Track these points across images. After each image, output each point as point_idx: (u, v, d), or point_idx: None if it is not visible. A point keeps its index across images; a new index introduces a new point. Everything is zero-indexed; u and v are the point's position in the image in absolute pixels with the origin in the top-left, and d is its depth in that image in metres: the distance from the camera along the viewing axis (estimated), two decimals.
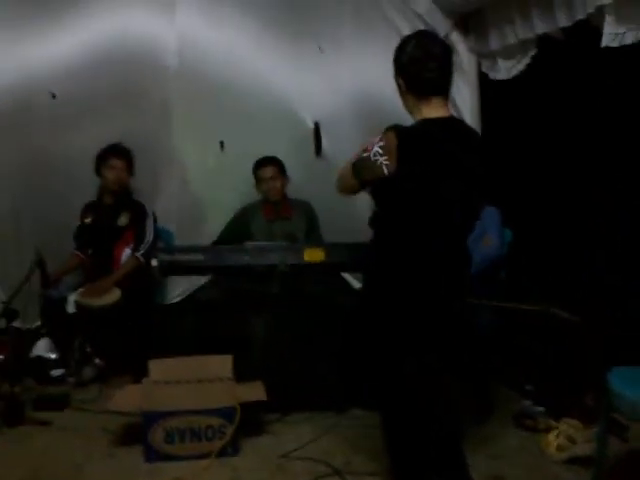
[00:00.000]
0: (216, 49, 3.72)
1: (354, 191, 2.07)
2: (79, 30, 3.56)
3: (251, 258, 2.90)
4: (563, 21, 2.94)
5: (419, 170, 1.91)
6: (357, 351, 2.46)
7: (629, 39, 2.60)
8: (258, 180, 3.53)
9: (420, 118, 1.99)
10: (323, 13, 3.81)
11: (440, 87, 2.00)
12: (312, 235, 3.55)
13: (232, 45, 3.73)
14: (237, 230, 3.52)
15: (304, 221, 3.57)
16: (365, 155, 1.92)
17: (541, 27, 3.09)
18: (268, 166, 3.51)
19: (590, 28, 2.78)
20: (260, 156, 3.60)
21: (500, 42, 3.45)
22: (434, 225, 2.00)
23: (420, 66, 1.95)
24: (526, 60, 3.35)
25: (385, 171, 1.89)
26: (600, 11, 2.64)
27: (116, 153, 3.39)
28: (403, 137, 1.89)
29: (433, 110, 1.98)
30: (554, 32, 3.10)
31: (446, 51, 2.01)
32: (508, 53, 3.46)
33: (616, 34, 2.64)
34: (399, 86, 2.05)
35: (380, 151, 1.89)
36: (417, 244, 2.00)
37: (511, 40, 3.34)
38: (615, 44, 2.64)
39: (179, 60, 3.68)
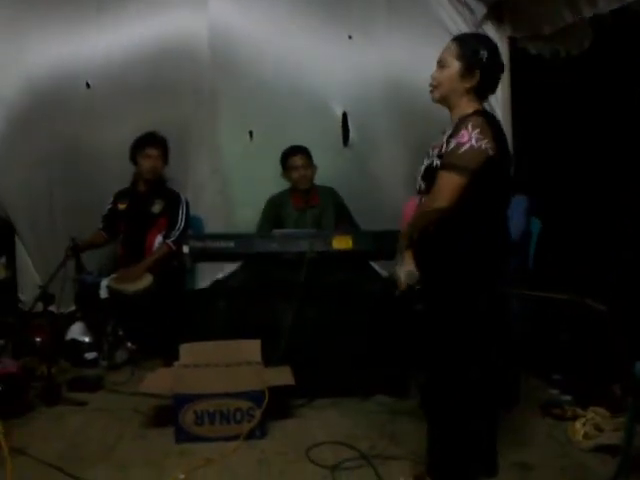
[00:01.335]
0: (246, 39, 3.77)
1: (460, 194, 1.95)
2: (114, 23, 3.65)
3: (280, 245, 2.94)
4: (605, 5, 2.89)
5: (504, 150, 2.01)
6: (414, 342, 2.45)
7: None
8: (288, 169, 3.56)
9: (468, 110, 2.04)
10: (354, 1, 3.82)
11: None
12: (344, 220, 3.59)
13: (262, 34, 3.77)
14: (272, 221, 3.56)
15: (332, 208, 3.61)
16: (466, 147, 1.94)
17: (588, 10, 3.03)
18: (298, 154, 3.54)
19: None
20: (288, 145, 3.64)
21: (551, 26, 3.38)
22: (505, 206, 2.11)
23: (497, 74, 2.08)
24: (586, 43, 3.30)
25: (490, 152, 1.94)
26: None
27: (152, 142, 3.46)
28: (489, 120, 1.99)
29: (481, 105, 2.09)
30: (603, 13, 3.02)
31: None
32: (560, 36, 3.41)
33: None
34: (467, 73, 2.04)
35: (480, 136, 1.93)
36: (501, 229, 2.09)
37: (560, 23, 3.28)
38: None
39: (211, 50, 3.74)
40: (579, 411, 2.62)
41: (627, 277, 2.93)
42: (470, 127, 1.94)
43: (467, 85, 2.05)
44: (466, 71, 2.05)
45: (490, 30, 3.82)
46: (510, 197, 2.15)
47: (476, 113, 2.00)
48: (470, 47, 2.06)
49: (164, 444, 2.53)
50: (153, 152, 3.45)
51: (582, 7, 2.96)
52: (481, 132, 1.93)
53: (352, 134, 3.88)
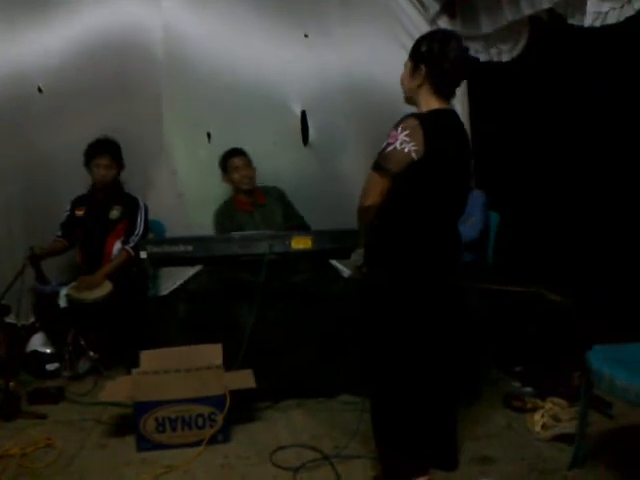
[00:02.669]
0: (202, 39, 3.72)
1: (383, 193, 2.02)
2: (66, 24, 3.57)
3: (239, 248, 2.92)
4: (546, 3, 2.93)
5: (440, 152, 1.99)
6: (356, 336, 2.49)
7: (612, 18, 2.59)
8: (228, 171, 3.56)
9: (428, 108, 2.07)
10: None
11: (455, 90, 2.12)
12: (293, 217, 3.60)
13: (218, 34, 3.73)
14: (229, 227, 3.51)
15: (279, 205, 3.62)
16: (390, 149, 1.97)
17: (528, 9, 3.08)
18: (237, 156, 3.56)
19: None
20: (247, 146, 3.62)
21: (491, 25, 3.43)
22: (446, 207, 2.11)
23: (452, 68, 2.03)
24: (522, 42, 3.33)
25: (414, 156, 1.94)
26: None
27: (101, 151, 3.39)
28: (424, 122, 1.97)
29: (441, 103, 2.08)
30: (541, 14, 3.09)
31: (471, 59, 2.11)
32: (501, 36, 3.43)
33: (598, 13, 2.63)
34: (413, 71, 2.08)
35: (407, 139, 1.94)
36: (433, 226, 2.09)
37: (502, 22, 3.33)
38: (597, 24, 2.64)
39: (166, 51, 3.68)
40: (539, 402, 2.66)
41: (586, 258, 2.98)
42: (400, 129, 1.96)
43: (417, 82, 2.06)
44: (414, 68, 2.07)
45: (444, 26, 3.85)
46: (456, 194, 2.13)
47: (414, 115, 2.01)
48: (417, 44, 2.08)
49: (125, 453, 2.51)
50: (102, 161, 3.39)
51: (522, 4, 3.00)
52: (409, 135, 1.94)
53: (312, 133, 3.87)
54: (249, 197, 3.58)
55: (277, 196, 3.64)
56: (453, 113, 2.13)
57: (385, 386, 2.12)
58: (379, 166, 2.00)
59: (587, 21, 2.65)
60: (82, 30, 3.58)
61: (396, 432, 2.11)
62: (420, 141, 1.94)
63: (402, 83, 2.15)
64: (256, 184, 3.63)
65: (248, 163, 3.57)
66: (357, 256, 2.35)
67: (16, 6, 3.52)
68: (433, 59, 2.03)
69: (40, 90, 3.56)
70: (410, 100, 2.15)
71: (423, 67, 2.05)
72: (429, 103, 2.07)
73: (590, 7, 2.62)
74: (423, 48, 2.05)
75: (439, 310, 2.11)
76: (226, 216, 3.58)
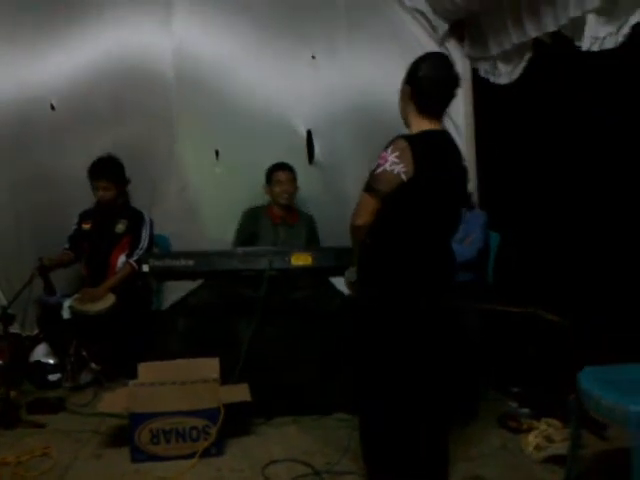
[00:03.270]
0: (211, 59, 3.83)
1: (374, 213, 2.06)
2: (78, 45, 3.70)
3: (240, 263, 2.95)
4: (550, 26, 2.98)
5: (430, 172, 2.02)
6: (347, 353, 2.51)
7: (610, 44, 2.63)
8: (272, 182, 3.61)
9: (419, 129, 2.11)
10: (316, 21, 3.90)
11: (442, 110, 2.14)
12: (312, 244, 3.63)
13: (227, 55, 3.84)
14: (247, 233, 3.61)
15: (306, 230, 3.67)
16: (380, 170, 2.00)
17: (533, 31, 3.13)
18: (285, 170, 3.61)
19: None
20: (254, 164, 3.71)
21: (498, 47, 3.49)
22: (436, 226, 2.12)
23: (434, 89, 2.08)
24: (523, 64, 3.38)
25: (404, 177, 1.98)
26: (579, 20, 2.69)
27: (98, 175, 3.43)
28: (414, 143, 2.01)
29: (432, 124, 2.11)
30: (544, 37, 3.13)
31: (458, 80, 2.13)
32: (507, 57, 3.49)
33: (596, 38, 2.67)
34: (404, 93, 2.14)
35: (396, 160, 1.98)
36: (423, 245, 2.11)
37: (507, 45, 3.38)
38: (596, 48, 2.68)
39: (176, 71, 3.80)
40: (535, 423, 2.64)
41: (583, 288, 2.97)
42: (390, 150, 2.00)
43: (403, 103, 2.11)
44: (403, 90, 2.11)
45: (453, 48, 3.92)
46: (447, 214, 2.15)
47: (404, 136, 2.04)
48: (412, 70, 2.12)
49: (120, 464, 2.53)
50: (101, 184, 3.43)
51: (527, 27, 3.04)
52: (399, 156, 1.97)
53: (317, 152, 3.93)
54: (283, 212, 3.63)
55: (307, 222, 3.69)
56: (444, 134, 2.17)
57: (372, 404, 2.14)
58: (369, 187, 2.04)
59: (585, 45, 2.69)
60: (94, 51, 3.70)
61: (383, 450, 2.11)
62: (409, 162, 1.97)
63: (399, 107, 2.20)
64: (295, 204, 3.69)
65: (292, 179, 3.62)
66: (350, 274, 2.39)
67: (30, 27, 3.64)
68: (416, 79, 2.08)
69: (53, 107, 3.66)
70: (405, 122, 2.19)
71: (408, 88, 2.10)
72: (419, 124, 2.11)
73: (588, 32, 2.67)
74: (411, 70, 2.10)
75: (429, 329, 2.12)
76: (250, 218, 3.65)
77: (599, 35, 2.65)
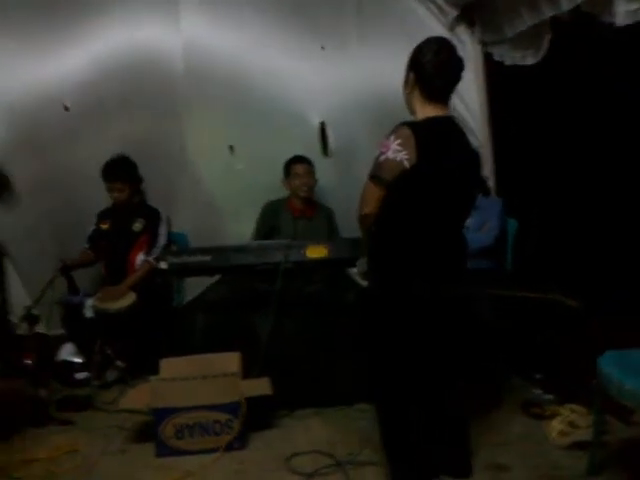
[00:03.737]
0: (221, 53, 3.83)
1: (379, 201, 2.05)
2: (87, 43, 3.72)
3: (255, 257, 2.96)
4: (569, 3, 2.90)
5: (434, 159, 2.00)
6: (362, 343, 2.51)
7: None
8: (290, 175, 3.61)
9: (424, 116, 2.09)
10: (325, 12, 3.87)
11: (447, 94, 2.12)
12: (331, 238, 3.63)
13: (236, 48, 3.84)
14: (269, 223, 3.62)
15: (325, 223, 3.66)
16: (383, 158, 1.99)
17: (549, 10, 3.05)
18: (304, 163, 3.61)
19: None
20: (268, 157, 3.72)
21: (513, 29, 3.42)
22: (443, 214, 2.10)
23: (438, 73, 2.06)
24: (545, 44, 3.30)
25: (407, 165, 1.97)
26: None
27: (110, 177, 3.46)
28: (417, 130, 1.99)
29: (437, 110, 2.09)
30: (563, 16, 3.05)
31: (462, 64, 2.11)
32: (525, 39, 3.41)
33: (630, 12, 2.57)
34: (407, 80, 2.13)
35: (398, 148, 1.96)
36: (429, 233, 2.09)
37: (521, 27, 3.31)
38: (629, 21, 2.58)
39: (186, 66, 3.81)
40: (559, 409, 2.61)
41: (603, 272, 2.93)
42: (392, 138, 1.98)
43: (408, 90, 2.09)
44: (406, 76, 2.09)
45: (463, 34, 3.87)
46: (454, 201, 2.12)
47: (407, 123, 2.02)
48: (414, 56, 2.10)
49: (144, 458, 2.57)
50: (115, 185, 3.47)
51: (543, 7, 2.97)
52: (402, 144, 1.96)
53: (332, 143, 3.91)
54: (302, 205, 3.64)
55: (326, 215, 3.69)
56: (450, 120, 2.14)
57: (387, 393, 2.14)
58: (373, 175, 2.04)
59: (619, 20, 2.59)
60: (105, 50, 3.72)
61: (401, 438, 2.11)
62: (412, 149, 1.96)
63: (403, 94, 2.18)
64: (314, 196, 3.70)
65: (310, 172, 3.62)
66: (361, 264, 2.39)
67: (41, 27, 3.67)
68: (419, 64, 2.07)
69: (67, 108, 3.70)
70: (409, 108, 2.17)
71: (412, 74, 2.08)
72: (424, 110, 2.09)
73: (621, 6, 2.57)
74: (413, 55, 2.08)
75: (437, 317, 2.10)
76: (270, 211, 3.66)
77: (630, 8, 2.56)
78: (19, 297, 3.87)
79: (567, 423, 2.42)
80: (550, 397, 2.81)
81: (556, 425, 2.45)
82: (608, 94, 3.08)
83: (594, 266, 3.00)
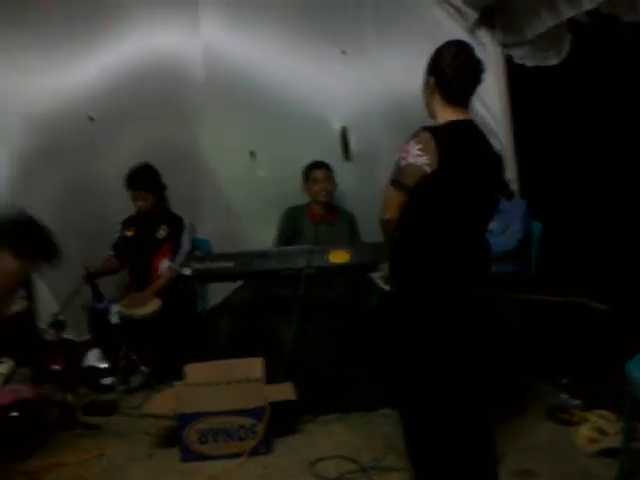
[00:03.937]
0: (242, 59, 3.85)
1: (400, 206, 2.04)
2: (108, 52, 3.76)
3: (278, 262, 2.98)
4: (587, 4, 2.87)
5: (456, 163, 1.99)
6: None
7: None
8: (310, 180, 3.62)
9: (444, 119, 2.09)
10: (344, 16, 3.86)
11: (467, 97, 2.11)
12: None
13: (256, 54, 3.85)
14: (291, 228, 3.62)
15: (347, 229, 3.66)
16: (404, 163, 1.99)
17: (568, 11, 3.02)
18: (322, 168, 3.61)
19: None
20: (290, 163, 3.72)
21: (533, 31, 3.39)
22: (465, 218, 2.09)
23: (457, 76, 2.05)
24: (566, 47, 3.27)
25: (428, 170, 1.96)
26: None
27: (133, 186, 3.50)
28: (438, 135, 1.98)
29: (458, 113, 2.09)
30: (580, 17, 3.03)
31: (481, 66, 2.10)
32: (546, 40, 3.38)
33: None
34: (427, 83, 2.13)
35: (419, 152, 1.96)
36: (451, 237, 2.07)
37: (541, 28, 3.28)
38: None
39: (206, 72, 3.83)
40: (587, 415, 2.57)
41: (629, 274, 2.88)
42: (412, 142, 1.98)
43: (428, 94, 2.08)
44: (426, 80, 2.09)
45: (484, 36, 3.84)
46: (476, 205, 2.10)
47: (427, 128, 2.01)
48: (434, 59, 2.10)
49: (169, 463, 2.59)
50: (139, 194, 3.50)
51: (562, 8, 2.95)
52: (422, 149, 1.95)
53: (353, 148, 3.91)
54: (323, 210, 3.64)
55: (348, 220, 3.68)
56: (470, 123, 2.12)
57: (411, 399, 2.12)
58: (394, 180, 2.03)
59: None
60: (125, 58, 3.76)
61: (426, 444, 2.09)
62: (433, 154, 1.95)
63: (422, 98, 2.17)
64: (334, 201, 3.70)
65: (330, 177, 3.62)
66: (383, 269, 2.38)
67: (61, 39, 3.73)
68: (439, 68, 2.06)
69: (91, 119, 3.76)
70: (429, 113, 2.16)
71: (432, 78, 2.07)
72: (444, 114, 2.08)
73: None
74: (433, 59, 2.08)
75: (460, 322, 2.08)
76: (291, 217, 3.67)
77: None
78: (46, 303, 3.94)
79: (595, 429, 2.38)
80: (577, 402, 2.77)
81: (584, 431, 2.41)
82: (630, 95, 3.03)
83: (620, 268, 2.94)
